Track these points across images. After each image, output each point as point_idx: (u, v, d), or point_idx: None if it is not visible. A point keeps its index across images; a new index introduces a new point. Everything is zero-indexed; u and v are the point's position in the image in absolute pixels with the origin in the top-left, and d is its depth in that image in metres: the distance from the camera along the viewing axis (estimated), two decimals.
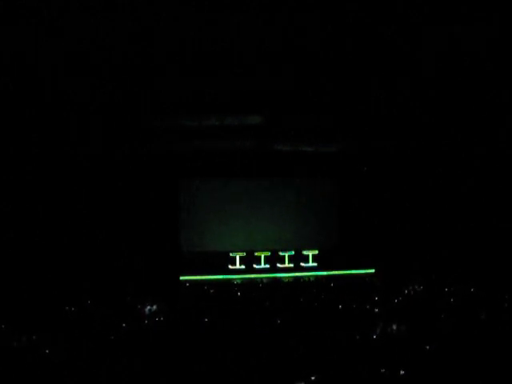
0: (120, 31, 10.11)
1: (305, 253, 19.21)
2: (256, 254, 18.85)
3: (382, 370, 6.35)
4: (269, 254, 18.89)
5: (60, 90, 12.90)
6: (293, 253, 19.07)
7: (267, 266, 18.78)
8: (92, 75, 12.08)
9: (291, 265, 18.92)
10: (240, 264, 18.61)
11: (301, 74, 12.44)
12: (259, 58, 11.43)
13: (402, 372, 6.28)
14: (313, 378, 6.18)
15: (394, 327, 8.45)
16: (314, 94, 13.62)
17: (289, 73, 12.35)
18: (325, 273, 18.08)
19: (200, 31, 10.23)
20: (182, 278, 16.70)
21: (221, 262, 18.46)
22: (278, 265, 18.90)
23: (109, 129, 15.54)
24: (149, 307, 10.55)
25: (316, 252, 19.22)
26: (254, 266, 18.76)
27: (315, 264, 19.03)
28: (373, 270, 18.32)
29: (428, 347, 7.29)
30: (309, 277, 17.20)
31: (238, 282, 15.44)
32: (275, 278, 17.03)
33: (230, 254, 18.64)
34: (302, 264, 19.10)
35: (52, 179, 17.33)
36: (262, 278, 16.27)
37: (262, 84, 12.83)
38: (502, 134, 16.10)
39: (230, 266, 18.58)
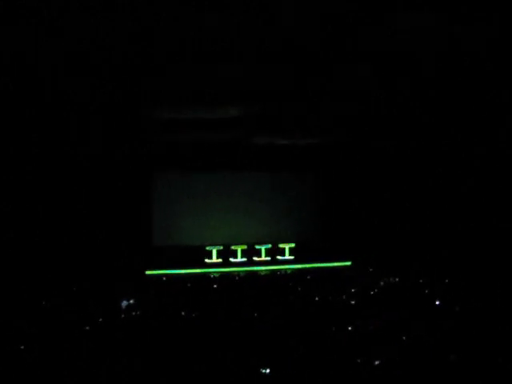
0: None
1: (281, 246, 19.19)
2: (232, 247, 18.79)
3: (358, 361, 6.37)
4: (245, 247, 18.85)
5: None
6: (269, 246, 19.04)
7: (244, 259, 18.71)
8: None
9: (268, 258, 18.88)
10: (217, 258, 18.55)
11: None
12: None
13: (376, 362, 6.29)
14: (289, 369, 6.19)
15: (371, 319, 8.49)
16: (298, 89, 13.57)
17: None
18: (301, 266, 18.04)
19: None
20: (157, 272, 16.63)
21: (197, 256, 18.41)
22: (255, 258, 18.87)
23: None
24: (124, 302, 10.51)
25: (293, 245, 19.25)
26: (231, 259, 18.71)
27: (292, 257, 19.01)
28: (349, 263, 18.37)
29: (404, 338, 7.32)
30: (285, 270, 17.12)
31: (215, 275, 15.40)
32: (252, 271, 16.98)
33: (207, 248, 18.60)
34: (279, 257, 19.09)
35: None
36: (238, 272, 16.21)
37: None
38: (502, 134, 16.11)
39: (206, 260, 18.54)
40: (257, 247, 18.96)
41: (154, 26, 10.01)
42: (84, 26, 9.83)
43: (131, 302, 10.47)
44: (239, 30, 9.92)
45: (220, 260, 18.53)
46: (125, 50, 10.92)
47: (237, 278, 14.28)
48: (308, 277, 14.04)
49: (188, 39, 10.52)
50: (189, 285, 12.72)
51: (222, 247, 18.71)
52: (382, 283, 12.54)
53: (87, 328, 8.32)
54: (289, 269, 17.57)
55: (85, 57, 11.16)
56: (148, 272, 16.72)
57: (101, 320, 8.92)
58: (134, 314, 9.63)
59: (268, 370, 6.07)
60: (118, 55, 11.15)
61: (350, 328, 8.00)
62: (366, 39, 10.53)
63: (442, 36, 10.50)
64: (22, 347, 7.19)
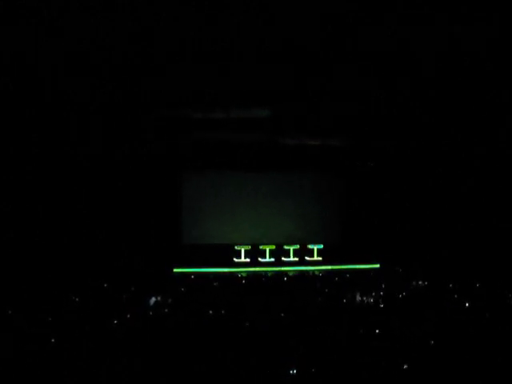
0: (120, 31, 10.11)
1: (310, 247, 19.20)
2: (261, 247, 18.82)
3: (385, 364, 6.34)
4: (274, 247, 18.88)
5: (60, 89, 12.90)
6: (298, 246, 19.05)
7: (272, 259, 18.74)
8: (92, 75, 12.08)
9: (296, 258, 18.88)
10: (245, 257, 18.60)
11: (301, 73, 12.43)
12: (259, 58, 11.42)
13: (405, 366, 6.26)
14: (315, 370, 6.17)
15: (398, 322, 8.44)
16: (315, 91, 13.61)
17: (289, 72, 12.34)
18: (329, 267, 18.02)
19: (200, 31, 10.24)
20: (186, 270, 16.66)
21: (225, 255, 18.43)
22: (283, 258, 18.88)
23: (111, 122, 15.50)
24: (152, 298, 10.57)
25: (321, 246, 19.22)
26: (259, 259, 18.74)
27: (320, 258, 19.00)
28: (378, 265, 18.32)
29: (432, 342, 7.27)
30: (313, 271, 17.09)
31: (243, 275, 15.37)
32: (280, 271, 16.96)
33: (235, 247, 18.65)
34: (307, 258, 19.08)
35: (52, 178, 17.32)
36: (266, 272, 16.17)
37: (266, 82, 12.81)
38: (502, 134, 16.11)
39: (234, 259, 18.59)
40: (285, 247, 18.94)
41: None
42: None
43: (158, 298, 10.55)
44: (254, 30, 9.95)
45: (248, 259, 18.56)
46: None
47: (263, 278, 14.13)
48: (336, 278, 14.00)
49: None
50: (215, 283, 12.77)
51: (250, 247, 18.71)
52: (410, 287, 12.42)
53: (115, 322, 8.41)
54: (317, 270, 17.48)
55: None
56: (176, 270, 16.80)
57: (129, 316, 8.98)
58: (161, 311, 9.68)
59: (295, 371, 6.09)
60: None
61: (377, 331, 7.94)
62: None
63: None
64: (53, 340, 7.29)
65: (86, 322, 8.37)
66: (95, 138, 16.19)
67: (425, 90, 13.64)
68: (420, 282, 12.93)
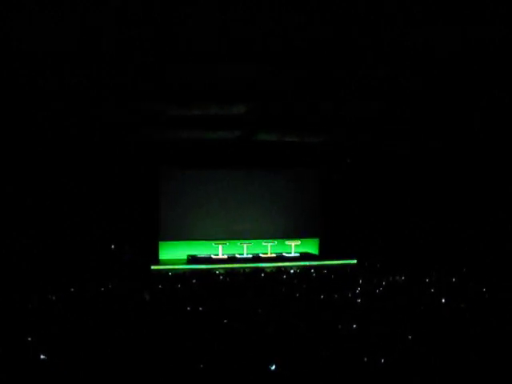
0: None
1: (287, 242, 19.23)
2: (238, 243, 18.85)
3: (365, 359, 6.36)
4: (251, 243, 18.86)
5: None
6: (275, 243, 19.06)
7: (250, 255, 18.73)
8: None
9: (274, 255, 18.89)
10: (222, 254, 18.57)
11: (278, 70, 12.29)
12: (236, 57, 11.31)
13: (382, 360, 6.25)
14: (293, 366, 6.18)
15: (376, 317, 8.48)
16: (292, 88, 13.52)
17: (266, 70, 12.20)
18: (307, 263, 18.00)
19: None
20: (163, 267, 16.76)
21: (203, 252, 18.71)
22: (261, 254, 18.88)
23: (87, 118, 15.36)
24: (128, 296, 10.55)
25: (299, 242, 19.30)
26: (237, 255, 18.75)
27: (298, 254, 19.11)
28: (355, 261, 18.37)
29: (410, 337, 7.30)
30: (291, 267, 16.84)
31: (221, 271, 15.23)
32: (257, 267, 16.69)
33: (213, 244, 18.66)
34: (285, 254, 19.12)
35: (25, 174, 17.13)
36: (244, 268, 15.94)
37: (242, 79, 12.70)
38: (502, 133, 16.15)
39: (212, 256, 18.59)
40: (263, 244, 18.93)
41: (155, 25, 9.97)
42: (84, 23, 9.83)
43: (133, 296, 10.44)
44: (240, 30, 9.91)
45: (225, 256, 18.48)
46: (129, 46, 10.83)
47: (240, 276, 14.04)
48: (314, 274, 14.06)
49: (187, 38, 10.50)
50: (194, 281, 12.74)
51: (227, 243, 18.72)
52: (387, 282, 12.55)
53: (93, 321, 8.26)
54: (294, 266, 17.22)
55: (91, 53, 11.10)
56: (154, 267, 16.79)
57: (107, 314, 8.87)
58: (138, 308, 9.51)
59: (273, 367, 6.11)
60: (121, 51, 11.06)
61: (354, 326, 7.96)
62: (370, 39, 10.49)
63: (440, 36, 10.50)
64: (29, 339, 7.16)
65: (61, 322, 8.26)
66: (70, 134, 16.10)
67: (400, 86, 13.44)
68: (397, 277, 13.09)
